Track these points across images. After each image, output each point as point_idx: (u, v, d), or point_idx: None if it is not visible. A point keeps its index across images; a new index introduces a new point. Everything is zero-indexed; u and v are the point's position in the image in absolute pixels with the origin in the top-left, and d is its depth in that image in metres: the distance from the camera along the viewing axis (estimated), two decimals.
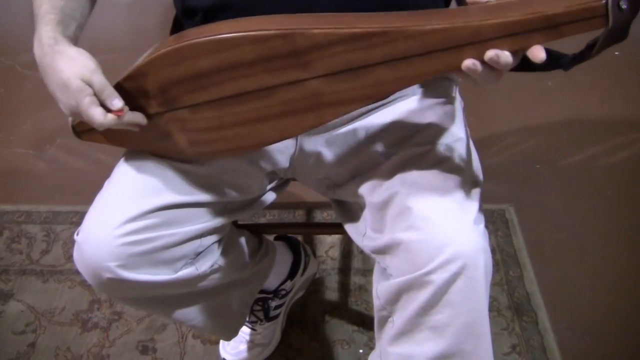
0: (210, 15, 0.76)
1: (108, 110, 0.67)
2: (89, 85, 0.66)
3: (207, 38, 0.65)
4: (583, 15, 0.55)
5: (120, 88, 0.69)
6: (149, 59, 0.68)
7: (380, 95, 0.66)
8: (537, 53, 0.57)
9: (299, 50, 0.63)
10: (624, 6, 0.54)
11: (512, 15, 0.57)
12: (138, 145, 0.78)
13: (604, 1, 0.53)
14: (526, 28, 0.56)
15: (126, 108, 0.68)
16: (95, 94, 0.67)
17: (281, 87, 0.66)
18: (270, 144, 0.74)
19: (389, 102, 0.83)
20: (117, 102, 0.67)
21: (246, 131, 0.71)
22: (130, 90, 0.70)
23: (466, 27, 0.58)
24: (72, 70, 0.67)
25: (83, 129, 0.77)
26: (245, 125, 0.70)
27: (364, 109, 0.83)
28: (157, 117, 0.72)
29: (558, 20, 0.56)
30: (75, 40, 0.73)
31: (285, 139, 0.72)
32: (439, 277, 0.64)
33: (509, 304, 1.27)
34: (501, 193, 1.51)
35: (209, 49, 0.65)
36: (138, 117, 0.70)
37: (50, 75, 0.68)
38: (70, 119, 0.76)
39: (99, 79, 0.67)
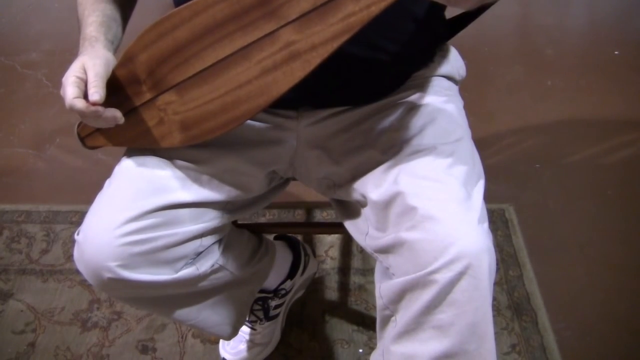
0: None
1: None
2: (85, 70, 0.69)
3: (181, 7, 0.69)
4: None
5: (114, 76, 0.73)
6: (135, 41, 0.72)
7: (350, 30, 0.66)
8: None
9: None
10: None
11: None
12: (136, 142, 0.78)
13: None
14: None
15: (101, 108, 0.69)
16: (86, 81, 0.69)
17: (256, 45, 0.68)
18: (260, 109, 0.72)
19: (390, 101, 0.83)
20: (97, 96, 0.67)
21: (231, 100, 0.71)
22: (122, 78, 0.73)
23: None
24: (84, 57, 0.71)
25: (86, 134, 0.78)
26: (230, 94, 0.71)
27: (364, 110, 0.83)
28: (149, 105, 0.74)
29: None
30: (116, 42, 0.80)
31: (274, 99, 0.70)
32: (443, 277, 0.64)
33: (508, 303, 1.27)
34: (501, 193, 1.51)
35: (183, 18, 0.69)
36: (113, 113, 0.71)
37: None
38: (76, 128, 0.80)
39: (97, 70, 0.69)
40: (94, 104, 0.67)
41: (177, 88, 0.72)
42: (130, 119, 0.75)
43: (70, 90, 0.67)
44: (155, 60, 0.72)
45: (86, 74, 0.69)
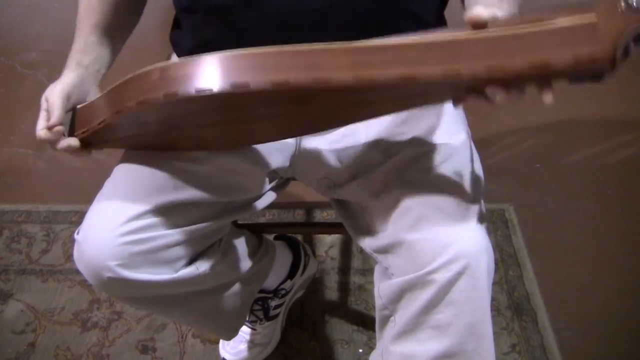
0: (210, 14, 0.76)
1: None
2: (47, 102, 0.74)
3: (204, 94, 0.57)
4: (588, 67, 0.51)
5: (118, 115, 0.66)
6: (139, 100, 0.61)
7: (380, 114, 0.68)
8: (545, 99, 0.53)
9: (307, 95, 0.59)
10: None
11: (513, 61, 0.52)
12: (142, 147, 0.79)
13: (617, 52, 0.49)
14: (524, 77, 0.53)
15: (62, 138, 0.74)
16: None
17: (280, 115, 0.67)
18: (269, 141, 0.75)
19: None
20: (51, 121, 0.73)
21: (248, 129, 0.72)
22: (128, 119, 0.66)
23: (465, 74, 0.54)
24: (48, 88, 0.75)
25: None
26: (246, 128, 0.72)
27: None
28: (159, 134, 0.74)
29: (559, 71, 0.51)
30: (101, 61, 0.82)
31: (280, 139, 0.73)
32: (441, 277, 0.64)
33: (508, 303, 1.27)
34: (501, 193, 1.51)
35: (208, 99, 0.58)
36: (71, 142, 0.75)
37: None
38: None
39: (52, 100, 0.74)
40: (52, 126, 0.73)
41: (193, 128, 0.72)
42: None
43: (38, 125, 0.74)
44: (164, 118, 0.68)
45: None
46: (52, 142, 0.74)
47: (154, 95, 0.59)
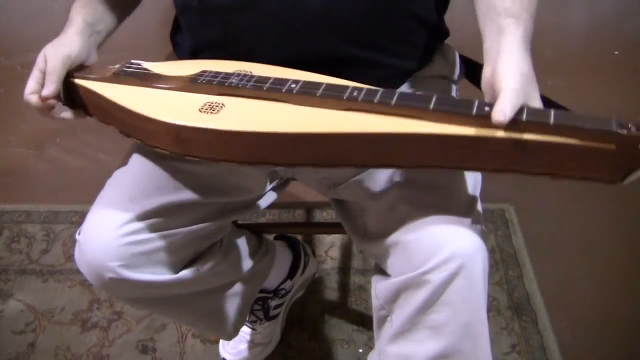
0: (209, 14, 0.76)
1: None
2: (46, 63, 0.72)
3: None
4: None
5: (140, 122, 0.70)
6: (147, 143, 0.70)
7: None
8: None
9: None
10: None
11: (528, 166, 0.57)
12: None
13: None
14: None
15: (57, 103, 0.73)
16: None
17: None
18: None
19: None
20: (45, 90, 0.71)
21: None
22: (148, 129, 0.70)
23: (485, 169, 0.59)
24: (48, 46, 0.73)
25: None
26: None
27: None
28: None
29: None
30: (102, 25, 0.80)
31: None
32: (436, 277, 0.64)
33: (508, 303, 1.27)
34: (501, 193, 1.51)
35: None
36: (65, 114, 0.75)
37: None
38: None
39: (53, 63, 0.71)
40: (45, 98, 0.70)
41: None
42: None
43: (28, 85, 0.71)
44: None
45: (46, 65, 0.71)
46: (41, 110, 0.72)
47: (166, 148, 0.67)
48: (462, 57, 0.91)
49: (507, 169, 0.58)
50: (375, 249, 0.74)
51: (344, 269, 1.36)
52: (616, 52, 2.06)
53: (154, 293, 0.81)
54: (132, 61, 0.76)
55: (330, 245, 1.41)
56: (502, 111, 0.53)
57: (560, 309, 1.26)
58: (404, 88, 0.83)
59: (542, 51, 2.08)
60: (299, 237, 1.29)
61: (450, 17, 0.89)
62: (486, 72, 0.59)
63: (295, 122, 0.61)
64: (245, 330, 1.18)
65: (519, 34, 0.60)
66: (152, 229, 0.74)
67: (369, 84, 0.82)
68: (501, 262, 1.35)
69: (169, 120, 0.64)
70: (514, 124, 0.54)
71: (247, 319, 1.16)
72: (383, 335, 0.73)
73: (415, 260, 0.66)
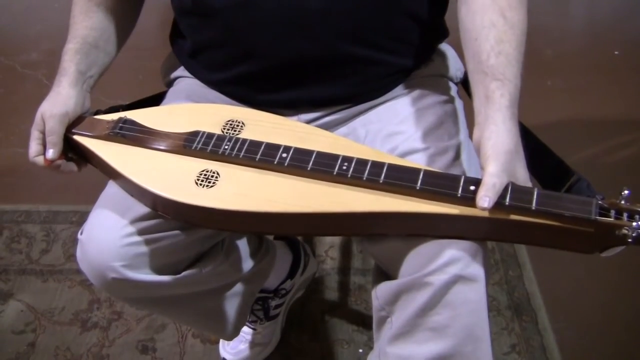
0: (208, 15, 0.76)
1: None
2: (44, 123, 0.74)
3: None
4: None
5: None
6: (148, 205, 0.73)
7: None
8: None
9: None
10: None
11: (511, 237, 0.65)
12: None
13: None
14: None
15: (62, 161, 0.76)
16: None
17: None
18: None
19: (389, 100, 0.83)
20: (49, 154, 0.75)
21: None
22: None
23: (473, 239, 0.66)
24: (45, 104, 0.75)
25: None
26: None
27: (361, 108, 0.83)
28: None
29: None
30: (95, 68, 0.81)
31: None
32: (438, 279, 0.64)
33: (508, 303, 1.27)
34: None
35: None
36: (70, 168, 0.78)
37: None
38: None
39: (51, 124, 0.74)
40: (51, 162, 0.75)
41: None
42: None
43: (31, 148, 0.75)
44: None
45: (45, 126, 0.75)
46: (49, 169, 0.76)
47: (165, 214, 0.72)
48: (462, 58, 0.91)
49: (486, 238, 0.65)
50: (376, 250, 0.74)
51: (344, 269, 1.36)
52: (616, 52, 2.06)
53: (155, 293, 0.81)
54: (127, 118, 0.77)
55: (330, 245, 1.41)
56: (485, 198, 0.57)
57: (560, 309, 1.26)
58: (405, 87, 0.83)
59: (542, 51, 2.08)
60: (299, 237, 1.29)
61: (451, 17, 0.89)
62: (476, 135, 0.64)
63: (288, 199, 0.65)
64: (245, 330, 1.18)
65: (504, 103, 0.64)
66: (155, 229, 0.74)
67: (367, 82, 0.83)
68: (501, 262, 1.35)
69: (166, 195, 0.67)
70: (498, 206, 0.58)
71: (247, 318, 1.16)
72: (383, 336, 0.73)
73: (417, 262, 0.66)
